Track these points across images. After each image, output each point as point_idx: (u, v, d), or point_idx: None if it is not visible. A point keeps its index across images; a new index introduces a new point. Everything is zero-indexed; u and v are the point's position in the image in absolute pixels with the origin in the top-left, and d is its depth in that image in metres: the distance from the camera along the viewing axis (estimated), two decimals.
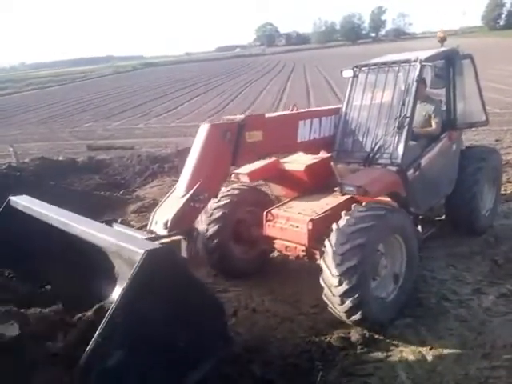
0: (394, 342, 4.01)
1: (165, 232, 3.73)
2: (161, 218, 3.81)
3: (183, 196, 3.90)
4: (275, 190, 5.85)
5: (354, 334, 4.10)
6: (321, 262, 4.10)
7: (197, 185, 3.90)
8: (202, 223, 5.23)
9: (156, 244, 3.04)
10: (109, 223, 3.89)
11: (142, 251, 2.67)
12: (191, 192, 3.88)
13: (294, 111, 5.25)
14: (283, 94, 25.78)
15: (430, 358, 3.80)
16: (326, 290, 4.03)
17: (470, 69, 5.77)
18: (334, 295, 3.95)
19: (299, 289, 5.00)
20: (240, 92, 29.15)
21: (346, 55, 46.02)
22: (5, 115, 27.95)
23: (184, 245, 3.73)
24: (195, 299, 2.95)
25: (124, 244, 2.91)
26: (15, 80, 62.70)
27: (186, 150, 4.52)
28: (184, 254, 3.73)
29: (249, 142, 4.29)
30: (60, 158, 12.29)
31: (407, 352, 3.88)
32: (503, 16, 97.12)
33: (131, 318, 2.62)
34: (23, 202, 4.00)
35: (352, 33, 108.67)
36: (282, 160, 5.46)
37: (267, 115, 4.84)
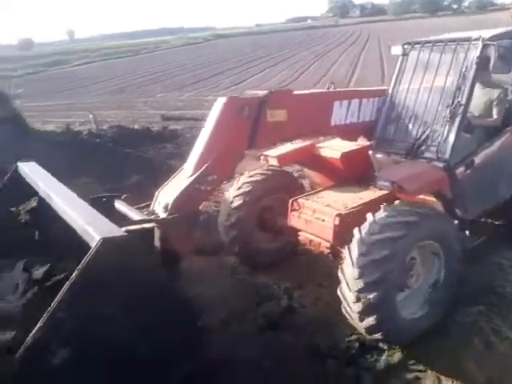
0: (465, 330, 3.87)
1: (164, 215, 3.46)
2: (164, 199, 3.57)
3: (190, 176, 3.61)
4: (310, 176, 5.48)
5: None
6: (339, 271, 3.64)
7: (206, 164, 3.60)
8: (222, 210, 5.00)
9: (119, 231, 2.63)
10: (111, 199, 3.73)
11: (98, 238, 2.41)
12: (199, 172, 3.59)
13: (331, 89, 4.71)
14: (356, 67, 25.00)
15: (502, 348, 3.67)
16: (343, 303, 3.61)
17: None
18: (352, 311, 3.54)
19: None
20: (311, 65, 28.63)
21: (423, 28, 43.53)
22: (84, 84, 29.37)
23: (157, 234, 3.32)
24: (157, 299, 2.59)
25: (87, 227, 2.66)
26: (91, 50, 65.31)
27: None
28: (156, 244, 3.32)
29: (270, 121, 3.85)
30: (136, 127, 12.82)
31: (477, 341, 3.74)
32: None
33: (78, 313, 2.38)
34: (28, 168, 4.08)
35: (431, 4, 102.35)
36: (318, 144, 4.97)
37: (296, 92, 4.36)
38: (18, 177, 4.15)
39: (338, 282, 3.61)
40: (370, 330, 3.53)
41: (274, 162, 4.83)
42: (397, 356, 3.71)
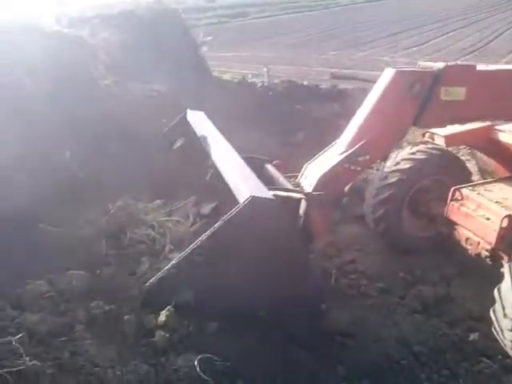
0: None
1: (309, 190, 3.32)
2: (311, 174, 3.44)
3: (341, 153, 3.39)
4: (481, 162, 4.80)
5: None
6: (495, 291, 3.22)
7: (361, 142, 3.33)
8: (372, 185, 4.62)
9: (268, 194, 2.75)
10: (262, 162, 3.86)
11: (248, 194, 2.54)
12: (351, 150, 3.35)
13: None
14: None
15: None
16: (495, 323, 3.22)
17: None
18: (505, 338, 3.16)
19: None
20: (507, 29, 25.13)
21: None
22: (262, 36, 30.25)
23: (303, 206, 3.19)
24: (289, 267, 2.68)
25: (240, 182, 2.85)
26: (272, 3, 66.50)
27: None
28: (301, 215, 3.19)
29: (444, 100, 3.44)
30: (305, 83, 12.84)
31: None
32: None
33: (212, 262, 2.52)
34: (195, 116, 4.51)
35: None
36: (497, 127, 4.26)
37: (479, 67, 3.78)
38: (185, 122, 4.55)
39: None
40: None
41: (440, 141, 4.31)
42: None
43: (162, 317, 2.58)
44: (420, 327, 3.62)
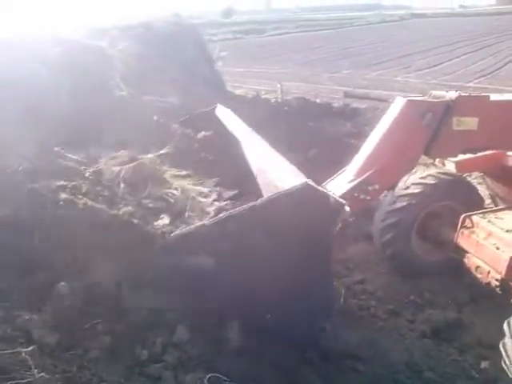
0: None
1: None
2: None
3: (350, 182, 3.35)
4: (493, 188, 4.71)
5: None
6: (505, 324, 3.14)
7: (370, 171, 3.31)
8: (381, 208, 4.55)
9: (317, 186, 2.77)
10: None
11: (303, 180, 2.59)
12: (360, 179, 3.32)
13: None
14: None
15: None
16: (504, 357, 3.12)
17: None
18: None
19: None
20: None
21: None
22: (275, 53, 30.52)
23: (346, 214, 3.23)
24: (313, 258, 2.69)
25: (285, 174, 2.91)
26: (288, 21, 67.22)
27: None
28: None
29: (456, 130, 3.46)
30: (317, 101, 12.89)
31: None
32: None
33: (241, 234, 2.54)
34: (223, 112, 5.06)
35: None
36: (509, 153, 4.12)
37: (493, 97, 3.76)
38: (213, 113, 5.16)
39: None
40: None
41: (451, 166, 4.22)
42: None
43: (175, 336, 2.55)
44: (430, 352, 3.57)
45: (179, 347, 2.52)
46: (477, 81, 17.23)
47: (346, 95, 14.89)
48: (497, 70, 20.34)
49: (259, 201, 2.59)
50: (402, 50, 29.21)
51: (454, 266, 4.38)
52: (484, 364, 3.50)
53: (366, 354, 3.28)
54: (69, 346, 2.35)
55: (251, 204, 2.58)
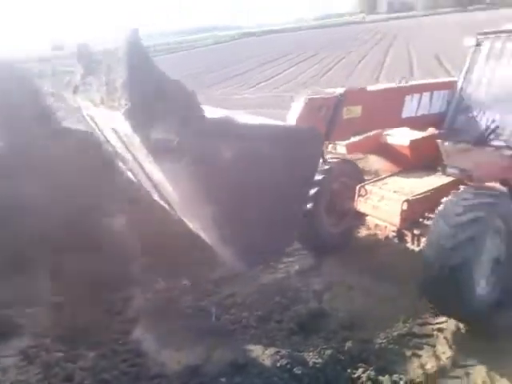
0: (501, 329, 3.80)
1: None
2: None
3: None
4: (375, 163, 5.69)
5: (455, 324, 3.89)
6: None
7: None
8: None
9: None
10: None
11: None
12: None
13: (403, 84, 4.86)
14: (382, 66, 24.40)
15: None
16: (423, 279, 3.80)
17: None
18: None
19: (400, 270, 4.79)
20: (337, 62, 28.22)
21: (456, 23, 42.40)
22: None
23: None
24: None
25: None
26: None
27: None
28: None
29: (346, 118, 4.07)
30: None
31: None
32: None
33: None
34: None
35: None
36: (385, 132, 5.10)
37: (369, 88, 4.54)
38: None
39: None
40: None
41: (342, 150, 4.96)
42: (433, 362, 3.57)
43: None
44: (299, 348, 3.74)
45: None
46: (307, 89, 18.87)
47: None
48: (322, 76, 22.53)
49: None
50: (238, 68, 30.68)
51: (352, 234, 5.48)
52: (348, 344, 3.77)
53: (241, 370, 3.32)
54: None
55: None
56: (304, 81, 21.87)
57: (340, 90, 4.06)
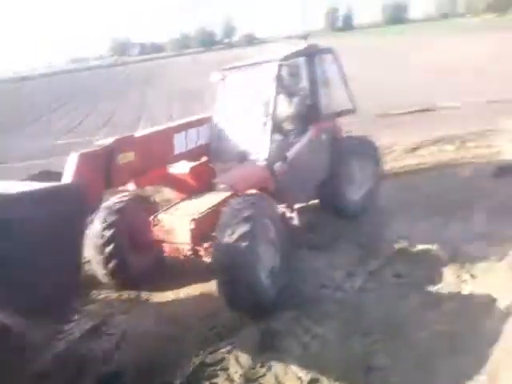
0: (283, 338, 4.02)
1: None
2: None
3: None
4: (166, 193, 6.02)
5: (246, 341, 4.04)
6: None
7: None
8: (92, 231, 5.02)
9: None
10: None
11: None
12: None
13: (169, 125, 5.37)
14: (144, 106, 24.62)
15: (315, 345, 3.88)
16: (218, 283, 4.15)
17: (333, 61, 6.22)
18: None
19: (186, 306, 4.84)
20: (95, 106, 27.41)
21: (204, 61, 46.24)
22: None
23: None
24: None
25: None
26: None
27: None
28: None
29: (121, 163, 4.23)
30: None
31: (295, 344, 3.92)
32: (340, 19, 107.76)
33: None
34: None
35: (206, 39, 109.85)
36: (168, 165, 5.36)
37: (138, 134, 4.78)
38: None
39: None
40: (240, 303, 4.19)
41: (131, 186, 5.00)
42: None
43: None
44: None
45: None
46: (65, 136, 17.89)
47: None
48: (78, 124, 21.52)
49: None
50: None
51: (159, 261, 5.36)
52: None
53: None
54: None
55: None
56: (59, 128, 20.56)
57: (110, 140, 4.22)
